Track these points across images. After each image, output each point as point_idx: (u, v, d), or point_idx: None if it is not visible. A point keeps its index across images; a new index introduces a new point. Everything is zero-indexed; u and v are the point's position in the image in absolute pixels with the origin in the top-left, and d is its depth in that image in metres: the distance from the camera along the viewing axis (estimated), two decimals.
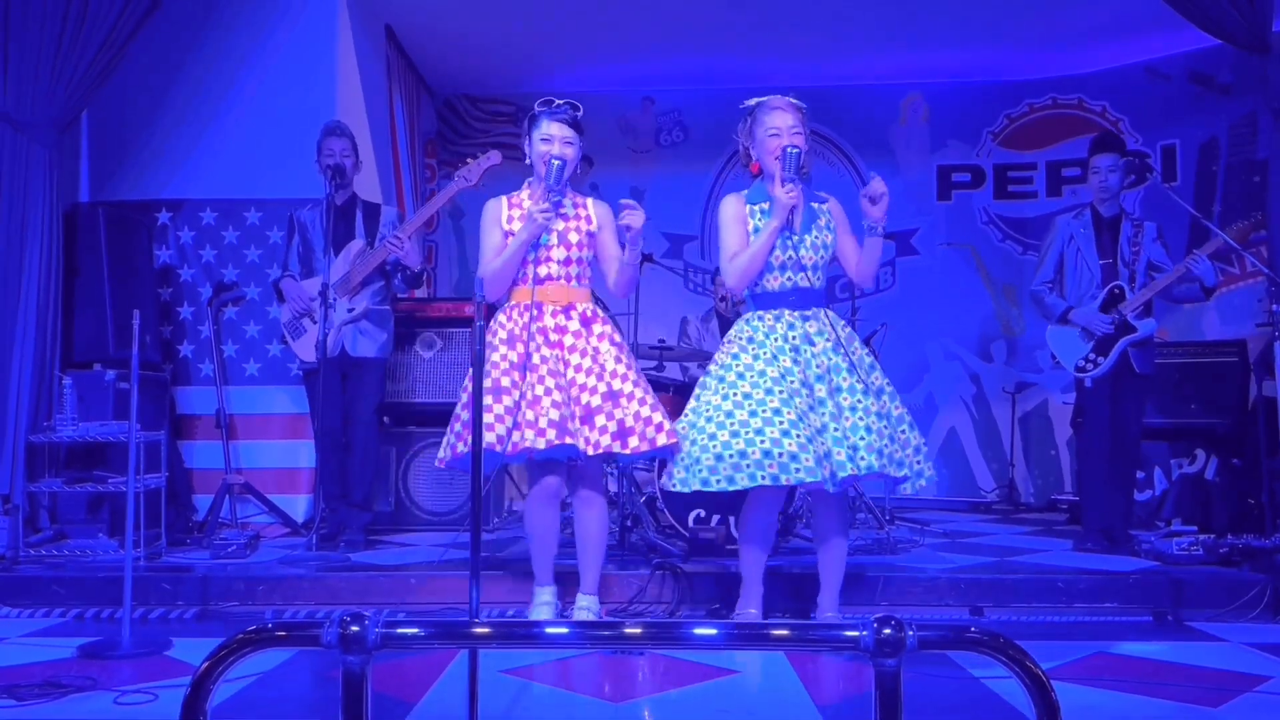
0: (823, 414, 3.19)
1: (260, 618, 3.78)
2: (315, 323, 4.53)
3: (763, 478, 3.07)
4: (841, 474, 3.13)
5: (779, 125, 3.30)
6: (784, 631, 1.48)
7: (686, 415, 3.34)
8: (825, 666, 3.14)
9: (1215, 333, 6.41)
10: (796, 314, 3.32)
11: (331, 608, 3.81)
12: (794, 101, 3.36)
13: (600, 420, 3.27)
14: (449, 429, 3.46)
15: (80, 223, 4.91)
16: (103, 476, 4.43)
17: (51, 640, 3.44)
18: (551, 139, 3.37)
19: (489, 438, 3.26)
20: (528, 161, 3.48)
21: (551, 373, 3.30)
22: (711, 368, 3.36)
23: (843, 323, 3.40)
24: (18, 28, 4.50)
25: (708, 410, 3.23)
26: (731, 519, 4.33)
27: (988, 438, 7.34)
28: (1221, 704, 2.70)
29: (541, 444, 3.20)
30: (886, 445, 3.18)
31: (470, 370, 3.40)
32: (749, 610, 3.46)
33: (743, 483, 3.09)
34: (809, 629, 1.48)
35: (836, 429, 3.17)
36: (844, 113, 7.49)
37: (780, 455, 3.06)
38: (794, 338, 3.28)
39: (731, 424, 3.15)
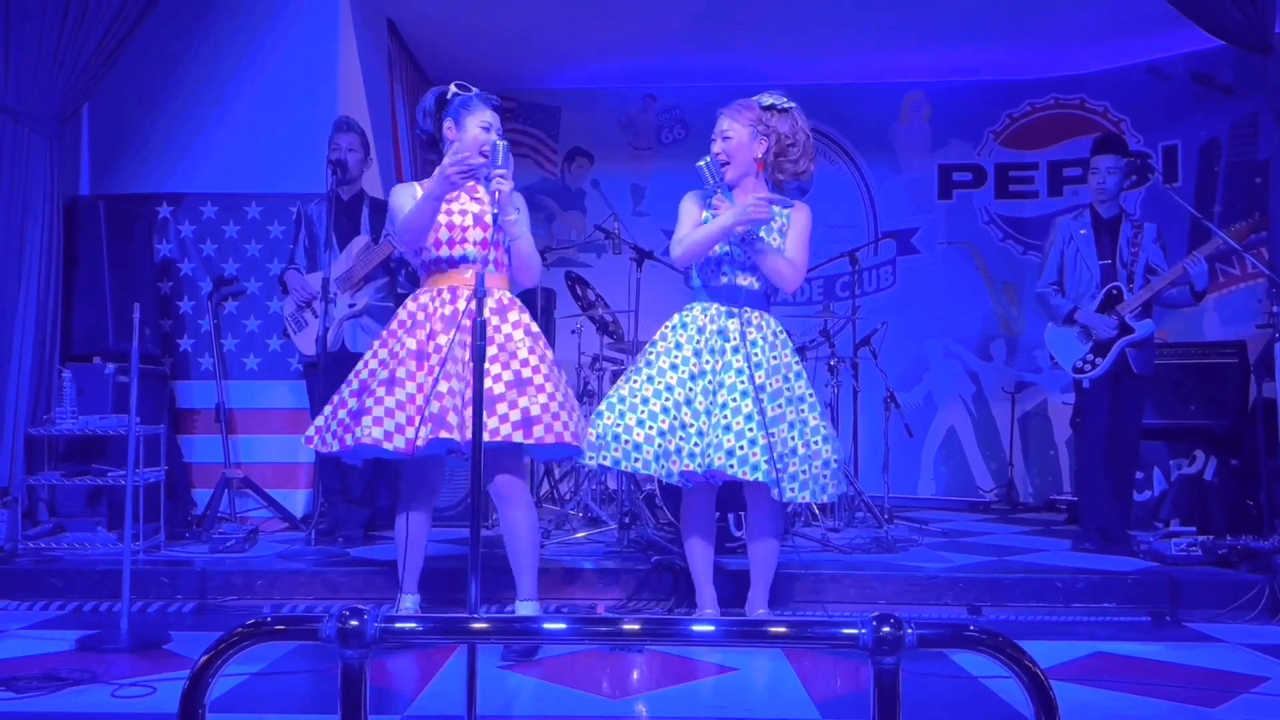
0: (694, 409, 3.25)
1: (259, 612, 3.78)
2: (317, 316, 4.54)
3: (606, 458, 3.25)
4: (678, 468, 3.21)
5: (718, 130, 3.41)
6: (782, 629, 1.48)
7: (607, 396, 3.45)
8: (823, 664, 3.14)
9: (1215, 334, 6.42)
10: (724, 309, 3.36)
11: (330, 603, 3.82)
12: (749, 102, 3.40)
13: (502, 408, 3.09)
14: (331, 412, 3.28)
15: (81, 216, 4.90)
16: (102, 470, 4.43)
17: (50, 633, 3.44)
18: (490, 126, 3.27)
19: (375, 432, 3.07)
20: (444, 146, 3.30)
21: (443, 360, 3.12)
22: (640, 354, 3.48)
23: (778, 328, 3.42)
24: (19, 18, 4.50)
25: (619, 392, 3.37)
26: (731, 517, 4.33)
27: (987, 437, 7.35)
28: (1219, 705, 2.70)
29: (458, 437, 3.05)
30: (743, 447, 3.14)
31: (370, 354, 3.30)
32: (706, 611, 3.46)
33: (592, 462, 3.30)
34: (808, 626, 1.48)
35: (694, 425, 3.23)
36: (846, 110, 7.49)
37: (626, 442, 3.22)
38: (711, 331, 3.32)
39: (617, 405, 3.30)
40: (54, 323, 4.57)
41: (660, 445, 3.21)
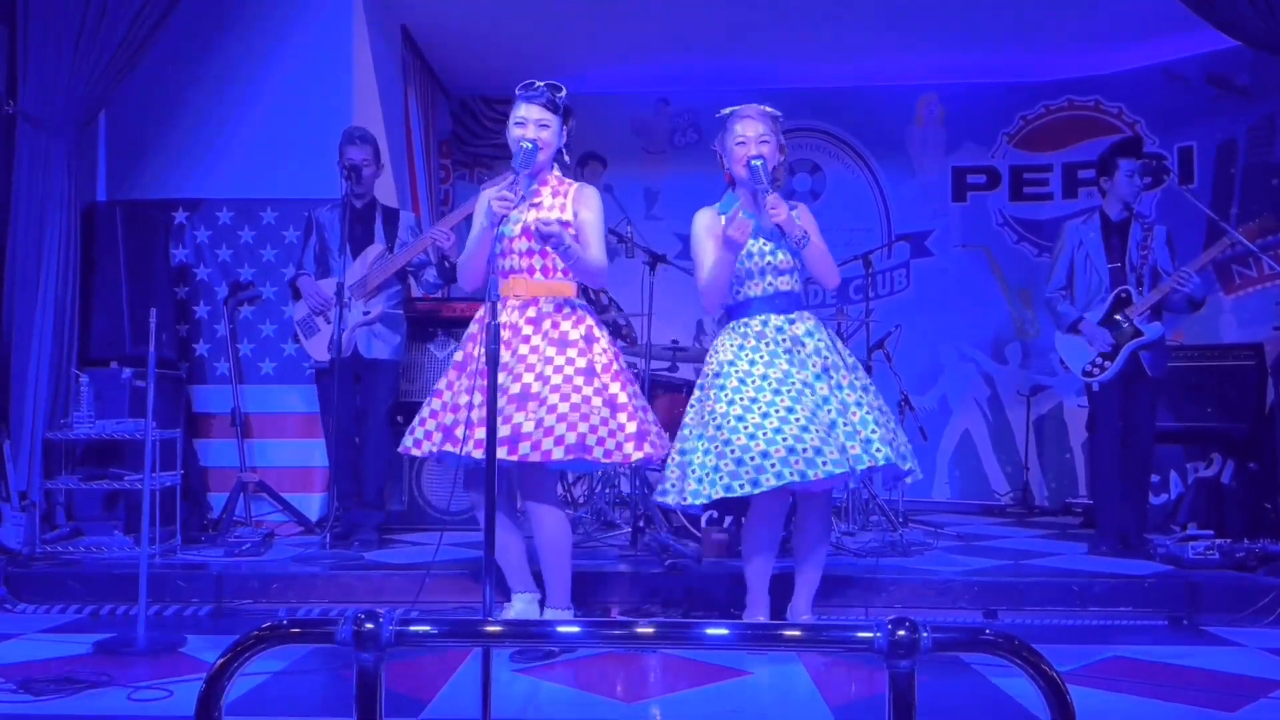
0: (829, 410, 3.18)
1: (274, 615, 3.79)
2: (329, 322, 4.55)
3: (790, 474, 3.01)
4: (860, 466, 3.11)
5: (747, 134, 3.29)
6: (797, 632, 1.48)
7: (688, 426, 3.27)
8: (838, 668, 3.13)
9: (1232, 335, 6.38)
10: (782, 317, 3.31)
11: (345, 606, 3.83)
12: (766, 110, 3.35)
13: (498, 423, 3.02)
14: (420, 421, 3.34)
15: (98, 221, 4.93)
16: (119, 474, 4.46)
17: (67, 636, 3.46)
18: (525, 122, 3.20)
19: (408, 440, 3.30)
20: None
21: (473, 374, 3.13)
22: (705, 378, 3.30)
23: (824, 325, 3.42)
24: (38, 24, 4.53)
25: (715, 419, 3.15)
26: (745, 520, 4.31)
27: (1002, 440, 7.32)
28: (1237, 709, 2.68)
29: (461, 451, 3.08)
30: (894, 438, 3.22)
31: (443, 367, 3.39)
32: (758, 618, 3.45)
33: (768, 483, 3.01)
34: (822, 630, 1.48)
35: (846, 424, 3.17)
36: (859, 113, 7.47)
37: (805, 451, 3.03)
38: (784, 340, 3.27)
39: (746, 428, 3.09)
40: (71, 327, 4.60)
41: (834, 444, 3.10)
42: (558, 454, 3.04)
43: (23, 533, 4.26)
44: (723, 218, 3.32)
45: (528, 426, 3.04)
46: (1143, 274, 4.58)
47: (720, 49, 6.80)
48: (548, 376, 3.11)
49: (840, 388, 3.24)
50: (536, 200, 3.29)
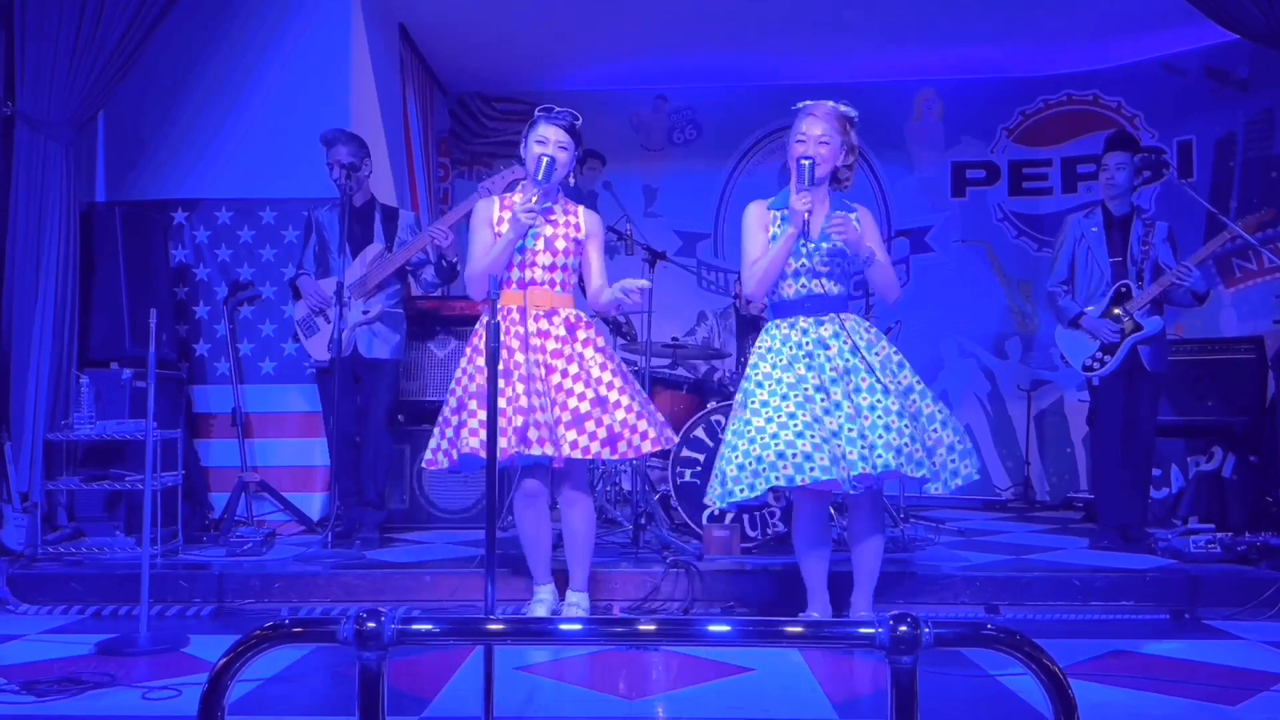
0: (838, 416, 3.15)
1: (276, 615, 3.79)
2: (329, 322, 4.55)
3: (776, 479, 3.04)
4: (854, 472, 3.09)
5: (806, 133, 3.32)
6: (799, 629, 1.48)
7: (727, 429, 3.34)
8: (841, 664, 3.14)
9: (1232, 329, 6.37)
10: (811, 320, 3.30)
11: (347, 605, 3.83)
12: (838, 109, 3.36)
13: (590, 425, 3.33)
14: (438, 433, 3.52)
15: (97, 222, 4.93)
16: (120, 474, 4.46)
17: (70, 637, 3.47)
18: (546, 141, 3.41)
19: (473, 443, 3.30)
20: (523, 167, 3.54)
21: (524, 378, 3.32)
22: (742, 383, 3.36)
23: (866, 324, 3.38)
24: (35, 26, 4.53)
25: (735, 425, 3.25)
26: (746, 517, 4.33)
27: (1003, 435, 7.31)
28: (1239, 702, 2.69)
29: (537, 451, 3.27)
30: (906, 444, 3.11)
31: (460, 372, 3.48)
32: (813, 614, 3.42)
33: (761, 487, 3.06)
34: (824, 626, 1.48)
35: (853, 429, 3.13)
36: (857, 109, 7.32)
37: (794, 456, 3.04)
38: (808, 343, 3.25)
39: (750, 432, 3.15)
40: (71, 329, 4.60)
41: (830, 451, 3.07)
42: (646, 447, 3.41)
43: (24, 534, 4.26)
44: (773, 212, 3.39)
45: (616, 428, 3.35)
46: (1144, 269, 4.58)
47: (718, 46, 6.79)
48: (610, 381, 3.41)
49: (858, 391, 3.20)
50: (552, 217, 3.48)
